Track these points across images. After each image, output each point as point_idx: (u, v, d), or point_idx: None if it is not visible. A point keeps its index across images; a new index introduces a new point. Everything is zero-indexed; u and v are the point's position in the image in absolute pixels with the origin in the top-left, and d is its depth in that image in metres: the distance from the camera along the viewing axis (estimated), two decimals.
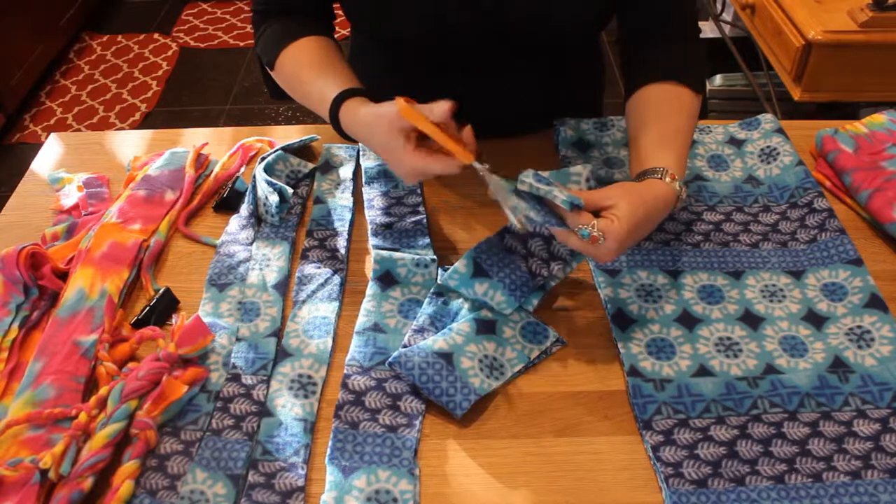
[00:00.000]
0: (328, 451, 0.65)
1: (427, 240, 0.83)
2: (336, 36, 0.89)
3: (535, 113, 0.98)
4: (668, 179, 0.71)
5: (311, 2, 0.87)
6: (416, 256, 0.80)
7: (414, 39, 0.86)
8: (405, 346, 0.72)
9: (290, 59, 0.82)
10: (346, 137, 0.77)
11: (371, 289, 0.78)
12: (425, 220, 0.85)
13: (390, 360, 0.70)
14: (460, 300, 0.76)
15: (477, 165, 0.67)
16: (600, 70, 1.06)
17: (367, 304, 0.77)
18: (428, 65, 0.91)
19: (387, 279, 0.79)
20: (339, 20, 0.93)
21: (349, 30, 1.03)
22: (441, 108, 0.65)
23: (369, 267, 0.82)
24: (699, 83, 0.81)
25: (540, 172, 0.68)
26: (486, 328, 0.72)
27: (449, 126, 0.68)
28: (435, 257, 0.80)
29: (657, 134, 0.76)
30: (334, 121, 0.75)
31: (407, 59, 0.93)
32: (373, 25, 0.87)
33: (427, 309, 0.76)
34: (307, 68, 0.80)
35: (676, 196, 0.72)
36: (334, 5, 0.90)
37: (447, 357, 0.69)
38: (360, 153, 0.95)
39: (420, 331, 0.74)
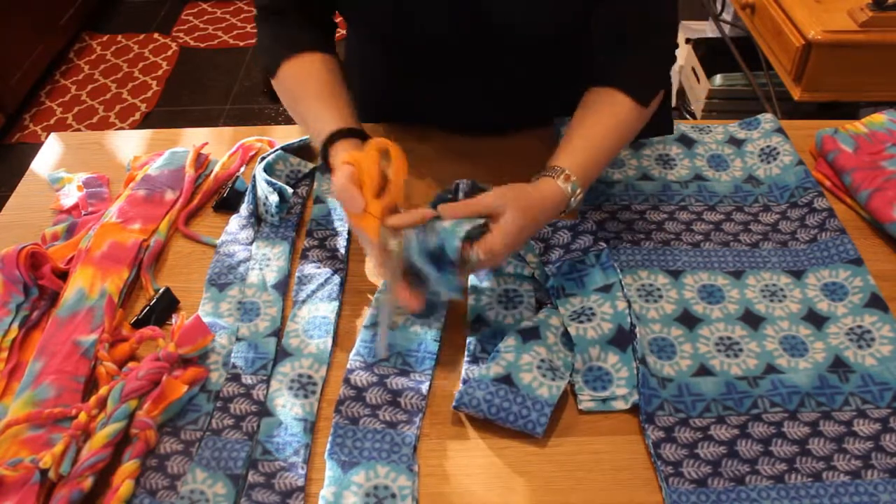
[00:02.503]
0: (328, 445, 0.65)
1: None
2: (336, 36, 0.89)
3: (532, 112, 0.98)
4: (560, 180, 0.72)
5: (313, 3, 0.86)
6: None
7: (406, 42, 0.86)
8: (464, 382, 0.70)
9: (292, 77, 0.81)
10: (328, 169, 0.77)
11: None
12: None
13: (454, 404, 0.67)
14: (503, 318, 0.75)
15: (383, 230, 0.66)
16: None
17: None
18: (424, 66, 0.90)
19: None
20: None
21: (346, 31, 1.03)
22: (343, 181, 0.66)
23: None
24: (644, 93, 0.78)
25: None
26: (531, 334, 0.71)
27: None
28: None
29: (570, 135, 0.76)
30: (324, 156, 0.75)
31: (402, 60, 0.93)
32: (361, 19, 0.86)
33: (473, 337, 0.74)
34: (305, 93, 0.80)
35: (567, 197, 0.73)
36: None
37: (506, 380, 0.67)
38: None
39: (474, 361, 0.72)
